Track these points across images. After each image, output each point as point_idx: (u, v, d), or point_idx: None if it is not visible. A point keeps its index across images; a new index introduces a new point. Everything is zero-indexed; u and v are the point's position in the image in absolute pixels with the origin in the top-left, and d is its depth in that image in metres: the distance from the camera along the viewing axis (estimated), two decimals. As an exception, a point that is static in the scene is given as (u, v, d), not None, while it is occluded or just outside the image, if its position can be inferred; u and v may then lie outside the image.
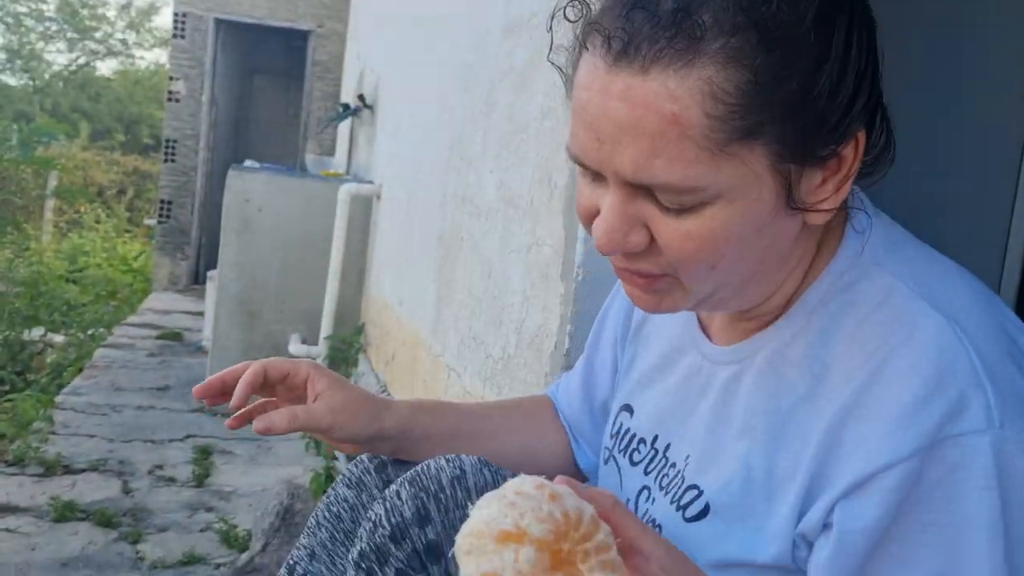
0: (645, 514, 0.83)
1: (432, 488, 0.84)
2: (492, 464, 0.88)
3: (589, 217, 0.72)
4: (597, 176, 0.69)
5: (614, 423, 0.94)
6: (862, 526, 0.64)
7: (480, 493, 0.60)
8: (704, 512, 0.76)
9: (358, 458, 1.00)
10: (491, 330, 1.90)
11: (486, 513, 0.54)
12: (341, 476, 0.99)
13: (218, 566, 2.29)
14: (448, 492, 0.84)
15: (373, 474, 0.97)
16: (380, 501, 0.85)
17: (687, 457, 0.80)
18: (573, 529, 0.54)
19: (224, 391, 0.93)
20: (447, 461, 0.85)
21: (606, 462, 0.95)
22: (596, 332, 1.06)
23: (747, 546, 0.72)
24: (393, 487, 0.85)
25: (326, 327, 3.70)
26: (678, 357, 0.86)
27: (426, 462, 0.86)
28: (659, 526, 0.80)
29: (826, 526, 0.66)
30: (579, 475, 1.07)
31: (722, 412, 0.78)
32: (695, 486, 0.77)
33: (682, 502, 0.78)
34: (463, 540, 0.54)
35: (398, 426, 0.95)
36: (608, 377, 1.02)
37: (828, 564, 0.66)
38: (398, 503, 0.84)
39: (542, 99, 1.69)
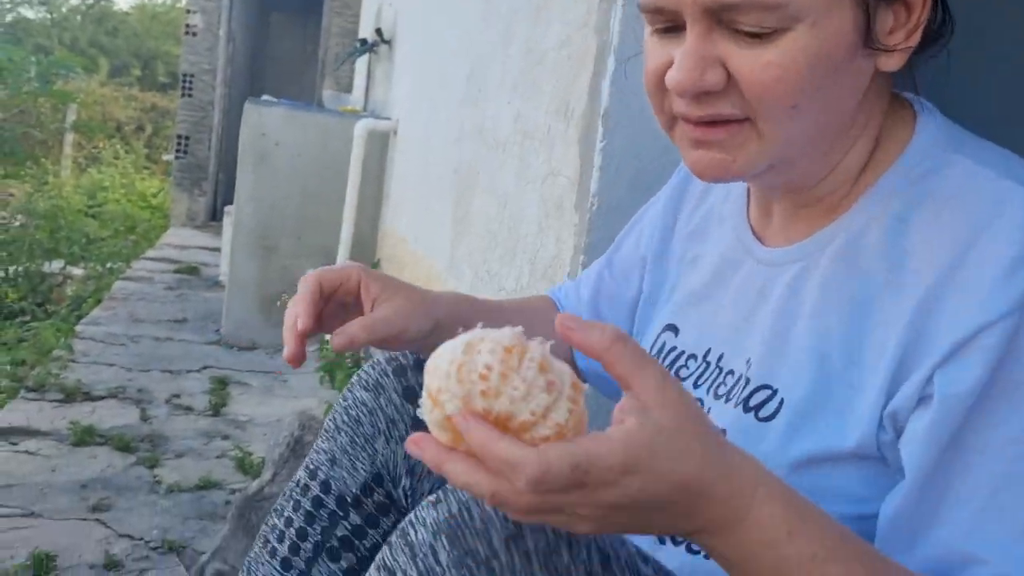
0: None
1: (482, 553, 0.61)
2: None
3: (658, 76, 0.70)
4: (668, 30, 0.69)
5: (654, 343, 0.93)
6: (965, 389, 0.62)
7: (542, 558, 0.59)
8: (779, 409, 0.74)
9: (374, 359, 1.00)
10: (505, 263, 1.89)
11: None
12: (358, 377, 0.99)
13: (233, 491, 2.33)
14: (503, 559, 0.61)
15: (391, 376, 0.96)
16: (407, 553, 0.64)
17: (748, 361, 0.78)
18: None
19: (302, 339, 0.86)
20: (496, 512, 0.62)
21: None
22: (619, 250, 1.05)
23: (828, 437, 0.70)
24: (424, 537, 0.62)
25: (342, 262, 3.71)
26: (731, 272, 0.85)
27: (462, 501, 0.63)
28: (723, 431, 0.78)
29: (922, 399, 0.65)
30: (579, 375, 1.07)
31: (788, 311, 0.76)
32: (767, 386, 0.75)
33: (751, 403, 0.76)
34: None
35: (448, 317, 0.92)
36: (621, 294, 1.02)
37: (927, 433, 0.64)
38: (436, 569, 0.62)
39: (559, 28, 1.66)
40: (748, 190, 0.87)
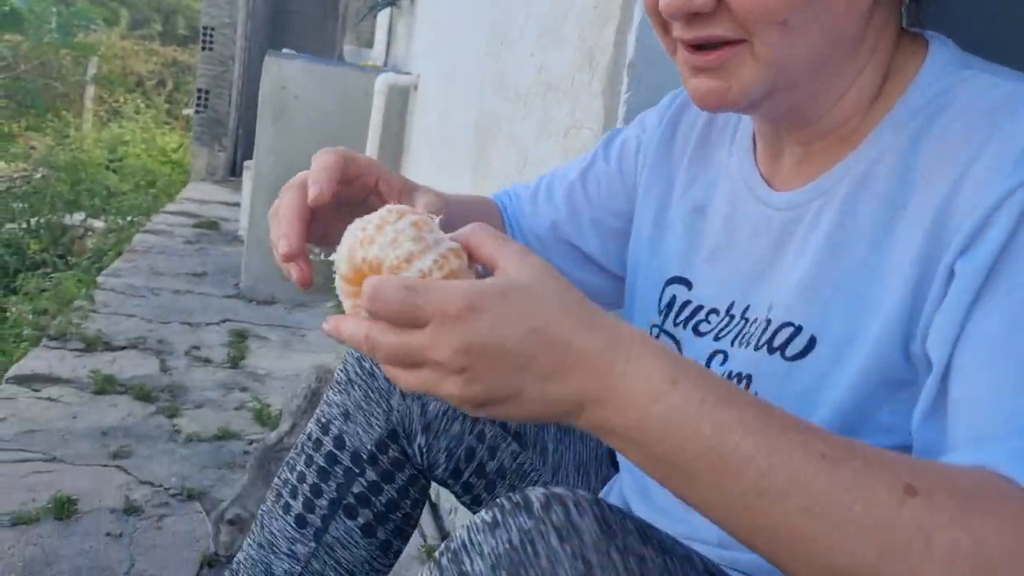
0: (723, 374, 0.79)
1: None
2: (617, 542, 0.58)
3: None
4: None
5: (660, 297, 0.90)
6: (981, 264, 0.60)
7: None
8: (810, 346, 0.71)
9: None
10: (525, 217, 1.87)
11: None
12: None
13: (251, 442, 2.35)
14: None
15: None
16: None
17: (770, 307, 0.76)
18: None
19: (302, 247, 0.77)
20: (562, 548, 0.55)
21: (656, 337, 0.90)
22: (593, 168, 1.01)
23: (861, 371, 0.68)
24: (481, 570, 0.56)
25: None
26: (744, 221, 0.82)
27: (524, 531, 0.56)
28: (748, 376, 0.76)
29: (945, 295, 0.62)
30: None
31: (808, 251, 0.74)
32: (788, 323, 0.73)
33: (775, 343, 0.73)
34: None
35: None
36: (595, 217, 0.99)
37: (947, 317, 0.61)
38: None
39: (587, -24, 1.62)
40: (754, 137, 0.84)
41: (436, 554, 0.58)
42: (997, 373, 0.56)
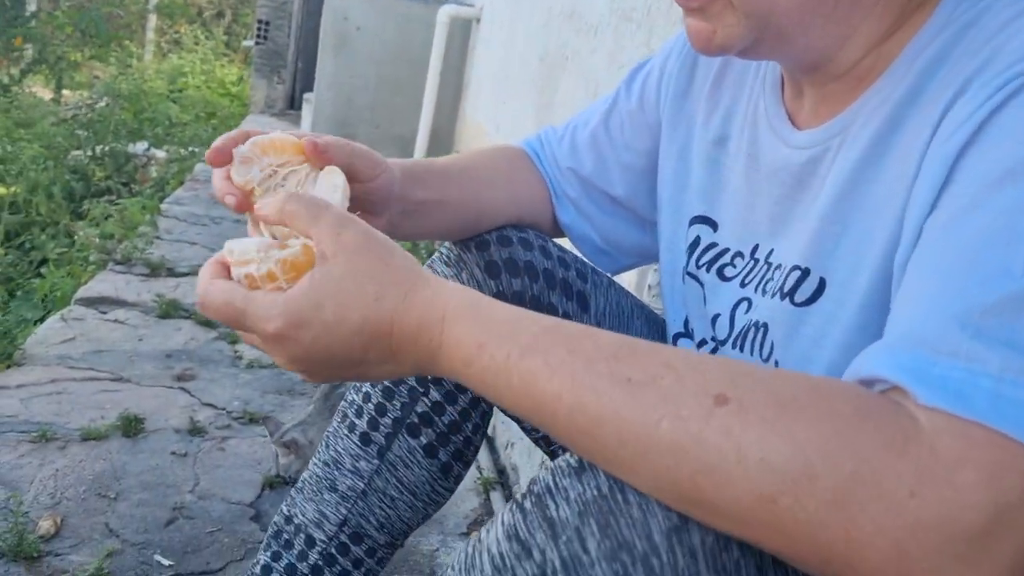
0: (746, 324, 0.79)
1: (640, 548, 0.50)
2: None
3: None
4: None
5: (686, 237, 0.88)
6: (945, 165, 0.56)
7: (709, 557, 0.50)
8: (820, 290, 0.69)
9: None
10: (592, 152, 1.83)
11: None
12: (439, 254, 0.96)
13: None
14: (665, 557, 0.50)
15: (473, 251, 0.93)
16: (546, 531, 0.53)
17: (794, 251, 0.74)
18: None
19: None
20: (656, 500, 0.51)
21: (682, 280, 0.90)
22: (616, 109, 0.99)
23: (864, 307, 0.65)
24: (567, 516, 0.52)
25: (420, 152, 3.68)
26: (767, 159, 0.79)
27: (614, 480, 0.52)
28: (764, 325, 0.75)
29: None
30: (558, 230, 1.04)
31: (824, 193, 0.71)
32: (797, 266, 0.71)
33: (786, 289, 0.72)
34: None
35: (410, 186, 0.89)
36: (619, 158, 0.97)
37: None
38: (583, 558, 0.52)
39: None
40: (782, 72, 0.80)
41: (519, 496, 0.56)
42: (917, 276, 0.53)
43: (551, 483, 0.54)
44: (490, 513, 1.81)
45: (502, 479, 1.96)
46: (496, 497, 1.85)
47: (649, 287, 1.39)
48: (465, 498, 1.84)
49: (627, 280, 1.42)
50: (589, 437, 0.52)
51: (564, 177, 1.01)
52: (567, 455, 0.56)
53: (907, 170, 0.61)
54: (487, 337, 0.57)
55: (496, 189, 0.97)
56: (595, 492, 0.52)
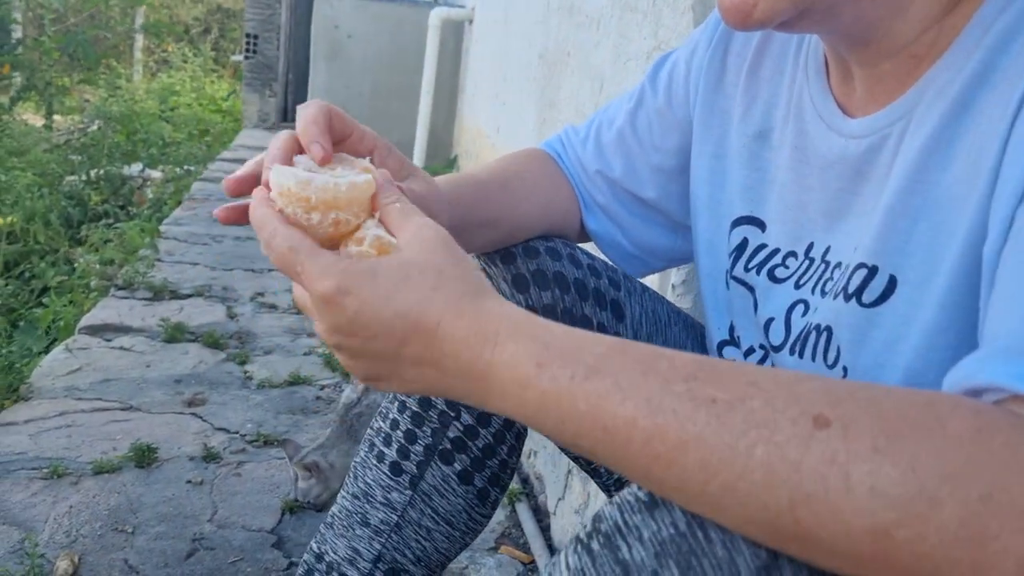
0: (805, 328, 0.73)
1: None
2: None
3: None
4: None
5: (728, 239, 0.83)
6: None
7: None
8: (890, 289, 0.64)
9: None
10: (602, 149, 1.78)
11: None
12: None
13: (322, 387, 2.34)
14: None
15: (499, 265, 0.87)
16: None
17: (855, 248, 0.69)
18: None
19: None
20: (743, 538, 0.46)
21: (726, 285, 0.85)
22: (643, 106, 0.94)
23: (944, 307, 0.60)
24: (642, 557, 0.48)
25: (418, 158, 3.63)
26: (818, 151, 0.74)
27: (691, 515, 0.47)
28: (828, 329, 0.70)
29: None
30: (584, 235, 0.99)
31: (890, 182, 0.65)
32: (863, 264, 0.66)
33: (850, 289, 0.67)
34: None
35: (459, 206, 0.84)
36: (647, 159, 0.92)
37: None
38: None
39: None
40: (826, 56, 0.75)
41: (583, 536, 0.51)
42: (1016, 275, 0.48)
43: (620, 521, 0.49)
44: (517, 526, 1.77)
45: (526, 489, 1.91)
46: (522, 509, 1.80)
47: (673, 286, 1.34)
48: (491, 511, 1.79)
49: (649, 281, 1.37)
50: (670, 468, 0.46)
51: (592, 181, 0.96)
52: (634, 489, 0.50)
53: (986, 155, 0.56)
54: (548, 356, 0.51)
55: (531, 203, 0.92)
56: (672, 530, 0.47)
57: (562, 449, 0.98)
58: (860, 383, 0.46)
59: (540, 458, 1.90)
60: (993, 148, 0.56)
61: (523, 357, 0.52)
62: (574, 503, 1.63)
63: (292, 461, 1.67)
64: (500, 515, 1.79)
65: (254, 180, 0.70)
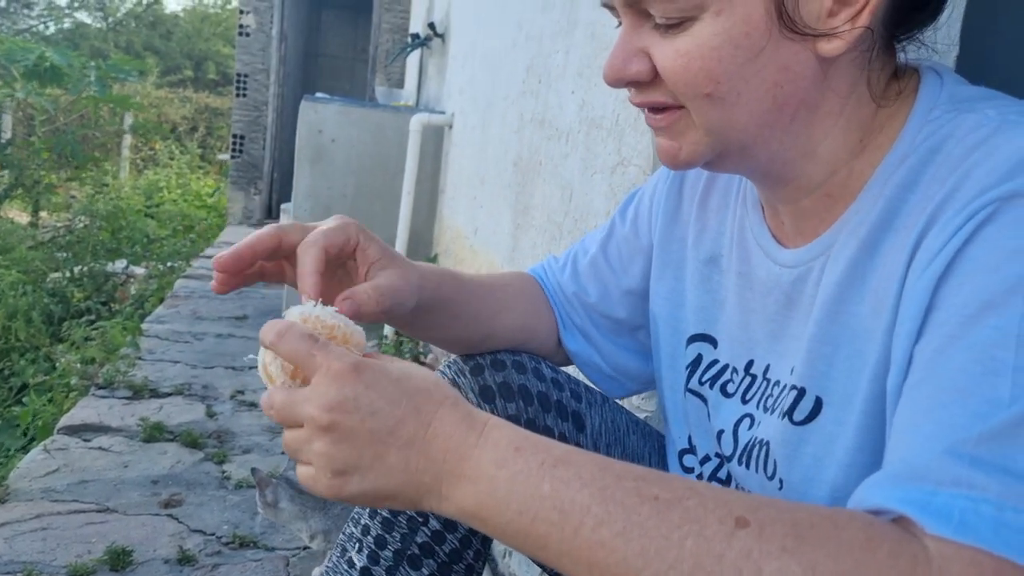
0: (750, 441, 0.79)
1: None
2: None
3: None
4: (620, 24, 0.70)
5: (684, 355, 0.90)
6: (927, 291, 0.58)
7: None
8: (817, 409, 0.70)
9: (450, 359, 0.98)
10: (572, 255, 1.86)
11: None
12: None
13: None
14: None
15: (468, 376, 0.93)
16: None
17: (792, 370, 0.75)
18: None
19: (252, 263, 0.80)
20: None
21: (683, 396, 0.91)
22: (613, 237, 1.01)
23: (862, 429, 0.66)
24: None
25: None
26: (756, 277, 0.81)
27: None
28: (767, 443, 0.76)
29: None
30: (565, 357, 1.04)
31: (813, 311, 0.72)
32: (794, 386, 0.73)
33: (785, 408, 0.73)
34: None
35: (431, 292, 0.89)
36: (618, 282, 0.99)
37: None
38: None
39: (628, 13, 1.62)
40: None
41: None
42: (911, 407, 0.55)
43: None
44: (492, 627, 1.77)
45: (502, 590, 1.91)
46: (497, 610, 1.81)
47: (639, 396, 1.39)
48: (466, 613, 1.79)
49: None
50: (612, 554, 0.52)
51: (569, 303, 1.03)
52: None
53: (887, 294, 0.63)
54: (525, 444, 0.59)
55: (511, 314, 0.99)
56: None
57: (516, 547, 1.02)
58: (784, 500, 0.53)
59: (515, 558, 1.91)
60: (893, 288, 0.63)
61: (504, 441, 0.59)
62: (547, 604, 1.64)
63: (263, 492, 1.74)
64: (475, 617, 1.79)
65: (246, 261, 0.78)
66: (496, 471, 0.58)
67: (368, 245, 0.83)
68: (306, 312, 0.70)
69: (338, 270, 0.85)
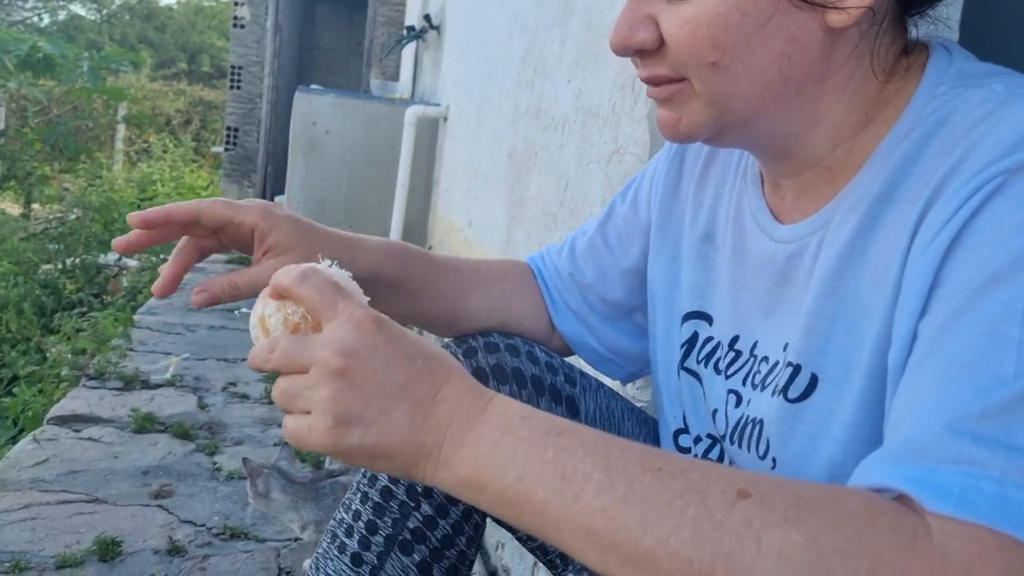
0: (740, 419, 0.78)
1: None
2: None
3: None
4: None
5: (679, 333, 0.89)
6: (931, 267, 0.57)
7: None
8: (812, 386, 0.69)
9: (444, 342, 0.96)
10: (567, 245, 1.85)
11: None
12: None
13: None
14: None
15: (461, 359, 0.92)
16: None
17: (786, 346, 0.74)
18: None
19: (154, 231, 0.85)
20: None
21: (677, 375, 0.90)
22: (612, 217, 1.01)
23: (860, 405, 0.65)
24: None
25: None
26: (752, 254, 0.80)
27: None
28: (760, 421, 0.75)
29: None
30: (564, 345, 1.04)
31: (810, 287, 0.71)
32: (789, 363, 0.72)
33: (780, 385, 0.72)
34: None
35: (372, 267, 0.89)
36: (616, 263, 0.99)
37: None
38: None
39: None
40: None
41: None
42: (916, 383, 0.54)
43: None
44: (484, 620, 1.76)
45: (494, 582, 1.90)
46: (489, 602, 1.80)
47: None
48: (458, 605, 1.78)
49: (610, 373, 1.41)
50: (612, 521, 0.52)
51: (564, 285, 1.02)
52: None
53: (889, 269, 0.62)
54: (532, 413, 0.59)
55: (484, 294, 0.98)
56: None
57: (518, 538, 1.01)
58: (770, 475, 0.53)
59: (507, 550, 1.90)
60: (896, 262, 0.62)
61: (512, 411, 0.59)
62: (540, 596, 1.63)
63: (248, 484, 1.73)
64: (467, 609, 1.78)
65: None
66: (500, 436, 0.58)
67: (270, 231, 0.85)
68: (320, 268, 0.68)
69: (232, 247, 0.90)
